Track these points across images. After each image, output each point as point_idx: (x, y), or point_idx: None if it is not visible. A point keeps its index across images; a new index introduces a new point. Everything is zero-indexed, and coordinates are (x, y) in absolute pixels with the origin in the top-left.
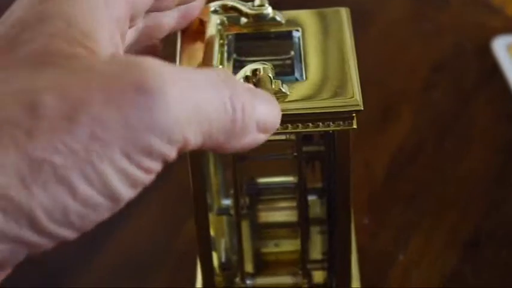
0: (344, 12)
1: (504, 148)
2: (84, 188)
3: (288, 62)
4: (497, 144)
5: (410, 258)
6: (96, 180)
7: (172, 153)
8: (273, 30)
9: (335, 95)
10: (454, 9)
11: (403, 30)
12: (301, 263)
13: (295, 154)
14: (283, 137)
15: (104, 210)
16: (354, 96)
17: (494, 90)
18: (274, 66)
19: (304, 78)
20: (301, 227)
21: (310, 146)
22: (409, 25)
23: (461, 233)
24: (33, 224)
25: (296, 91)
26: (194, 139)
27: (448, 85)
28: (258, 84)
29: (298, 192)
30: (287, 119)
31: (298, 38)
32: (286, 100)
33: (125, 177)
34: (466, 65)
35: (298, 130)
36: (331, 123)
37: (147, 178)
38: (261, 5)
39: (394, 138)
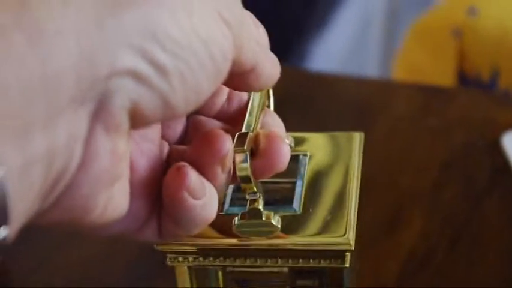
0: (357, 138)
1: None
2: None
3: (289, 187)
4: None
5: None
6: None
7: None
8: None
9: (327, 231)
10: (461, 104)
11: (410, 126)
12: None
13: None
14: (275, 269)
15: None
16: (347, 234)
17: (507, 188)
18: (275, 191)
19: (301, 209)
20: None
21: (305, 279)
22: (415, 121)
23: None
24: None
25: (289, 223)
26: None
27: (458, 184)
28: (249, 214)
29: None
30: (276, 253)
31: (305, 163)
32: (276, 234)
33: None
34: (476, 163)
35: (288, 265)
36: (321, 260)
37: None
38: None
39: (405, 244)
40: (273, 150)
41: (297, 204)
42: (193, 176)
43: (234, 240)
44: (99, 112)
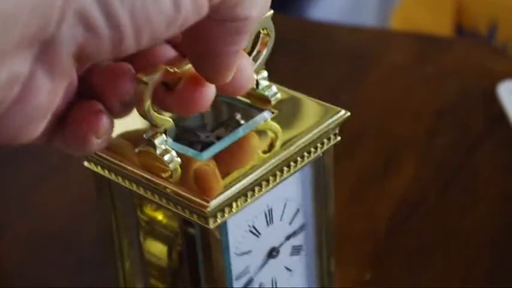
0: (338, 115)
1: (511, 199)
2: None
3: (222, 134)
4: (503, 195)
5: None
6: None
7: None
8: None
9: (202, 191)
10: (457, 53)
11: (406, 74)
12: None
13: None
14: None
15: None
16: (212, 200)
17: (501, 138)
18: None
19: (206, 159)
20: None
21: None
22: (411, 69)
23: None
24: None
25: (187, 167)
26: None
27: (452, 132)
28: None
29: None
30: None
31: (259, 120)
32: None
33: None
34: (471, 111)
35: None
36: (187, 212)
37: None
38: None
39: (397, 189)
40: (189, 90)
41: (208, 154)
42: (105, 123)
43: (130, 167)
44: (45, 55)
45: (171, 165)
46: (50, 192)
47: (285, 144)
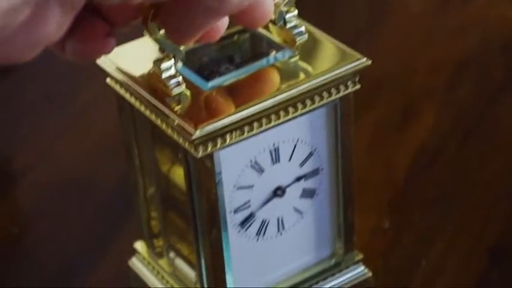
0: (357, 61)
1: None
2: None
3: (240, 64)
4: None
5: (433, 264)
6: None
7: None
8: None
9: (190, 116)
10: (479, 3)
11: (426, 24)
12: None
13: None
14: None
15: None
16: (197, 129)
17: None
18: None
19: (209, 88)
20: None
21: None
22: (432, 19)
23: (486, 237)
24: None
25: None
26: None
27: (473, 83)
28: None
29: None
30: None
31: (282, 56)
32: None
33: None
34: (492, 62)
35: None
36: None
37: None
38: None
39: (416, 138)
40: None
41: (214, 84)
42: (114, 45)
43: (138, 86)
44: None
45: (175, 90)
46: (71, 142)
47: (294, 84)
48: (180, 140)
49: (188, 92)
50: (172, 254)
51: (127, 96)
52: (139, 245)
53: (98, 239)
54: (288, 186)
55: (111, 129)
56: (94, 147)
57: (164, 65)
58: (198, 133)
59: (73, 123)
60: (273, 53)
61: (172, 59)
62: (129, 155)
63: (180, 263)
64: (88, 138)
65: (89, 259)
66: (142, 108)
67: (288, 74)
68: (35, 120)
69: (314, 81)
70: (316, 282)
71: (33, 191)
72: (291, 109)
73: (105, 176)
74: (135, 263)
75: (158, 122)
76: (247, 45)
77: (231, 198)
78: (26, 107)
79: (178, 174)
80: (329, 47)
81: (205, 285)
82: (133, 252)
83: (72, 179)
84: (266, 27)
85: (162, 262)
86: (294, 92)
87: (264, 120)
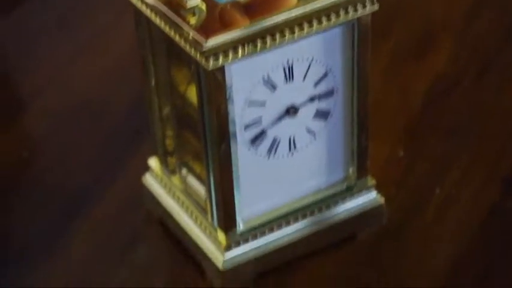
0: None
1: None
2: None
3: None
4: None
5: (447, 192)
6: None
7: None
8: None
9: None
10: None
11: None
12: None
13: None
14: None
15: None
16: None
17: None
18: None
19: None
20: None
21: None
22: None
23: (501, 167)
24: None
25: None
26: None
27: (490, 17)
28: None
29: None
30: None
31: None
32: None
33: None
34: None
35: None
36: None
37: None
38: None
39: (433, 67)
40: None
41: None
42: None
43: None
44: None
45: (190, 3)
46: (83, 66)
47: (310, 0)
48: (192, 52)
49: (204, 6)
50: (184, 172)
51: (143, 8)
52: (153, 162)
53: (109, 163)
54: (301, 105)
55: (126, 51)
56: (105, 72)
57: None
58: (209, 43)
59: (86, 47)
60: None
61: None
62: (145, 74)
63: (191, 180)
64: (100, 63)
65: (99, 183)
66: (157, 21)
67: None
68: (48, 43)
69: None
70: (327, 206)
71: (43, 114)
72: (306, 25)
73: (117, 99)
74: (148, 179)
75: (172, 33)
76: None
77: (242, 114)
78: (41, 30)
79: (193, 93)
80: None
81: (214, 202)
82: (145, 172)
83: (84, 102)
84: None
85: (175, 179)
86: (309, 7)
87: (278, 35)
